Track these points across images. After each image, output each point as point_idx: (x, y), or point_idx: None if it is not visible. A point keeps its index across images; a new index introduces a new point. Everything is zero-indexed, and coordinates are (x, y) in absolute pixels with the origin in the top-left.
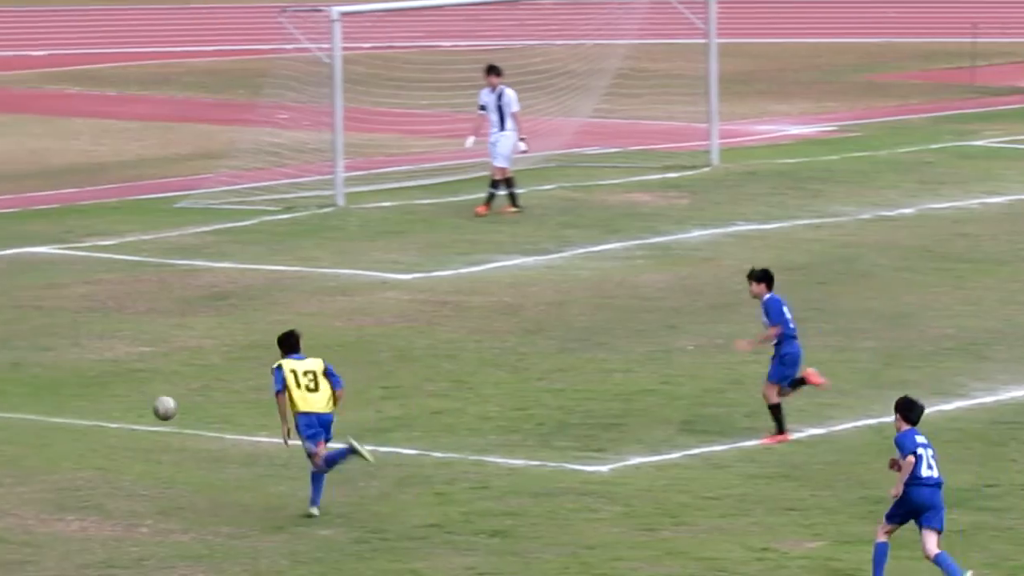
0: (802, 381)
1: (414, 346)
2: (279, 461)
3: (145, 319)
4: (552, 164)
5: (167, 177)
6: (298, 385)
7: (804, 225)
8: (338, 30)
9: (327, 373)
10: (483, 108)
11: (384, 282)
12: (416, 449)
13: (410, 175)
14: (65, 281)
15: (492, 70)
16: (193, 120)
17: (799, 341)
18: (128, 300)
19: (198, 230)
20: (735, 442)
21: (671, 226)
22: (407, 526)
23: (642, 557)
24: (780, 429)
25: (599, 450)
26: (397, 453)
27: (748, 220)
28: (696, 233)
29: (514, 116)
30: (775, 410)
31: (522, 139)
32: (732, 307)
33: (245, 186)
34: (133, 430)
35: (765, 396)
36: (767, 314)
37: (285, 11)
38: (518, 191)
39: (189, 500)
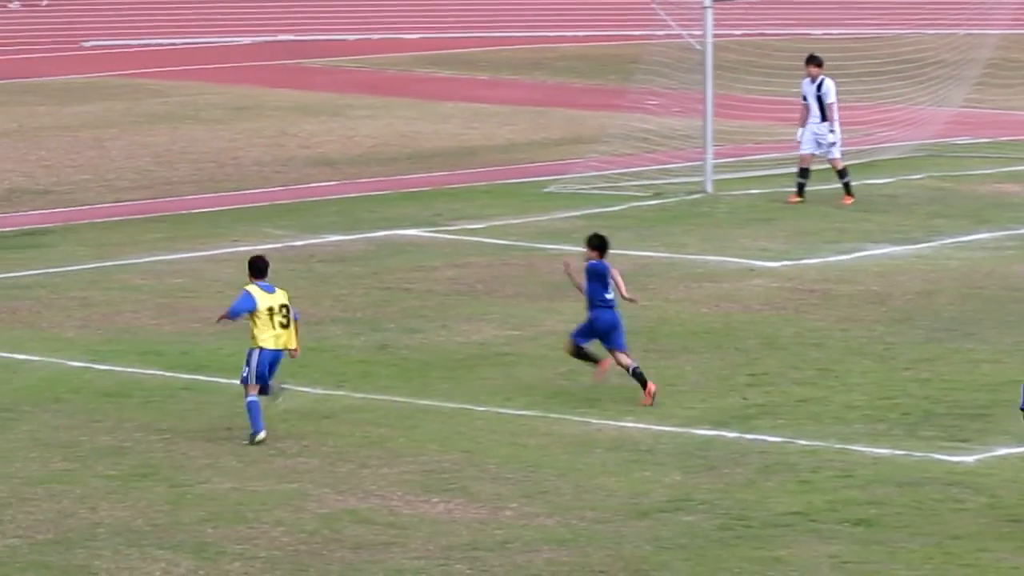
0: (594, 360)
1: (780, 334)
2: (644, 447)
3: (513, 303)
4: (922, 153)
5: (537, 162)
6: (272, 323)
7: None
8: (710, 17)
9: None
10: (805, 98)
11: (751, 269)
12: (781, 437)
13: (779, 163)
14: (434, 264)
15: (812, 60)
16: (564, 105)
17: (618, 312)
18: (496, 284)
19: (567, 215)
20: None
21: None
22: (771, 513)
23: (1008, 548)
24: (596, 360)
25: (965, 440)
26: (762, 440)
27: None
28: None
29: (831, 107)
30: (581, 356)
31: (831, 131)
32: None
33: (614, 171)
34: (499, 413)
35: (565, 349)
36: (588, 278)
37: None
38: (802, 182)
39: (554, 484)
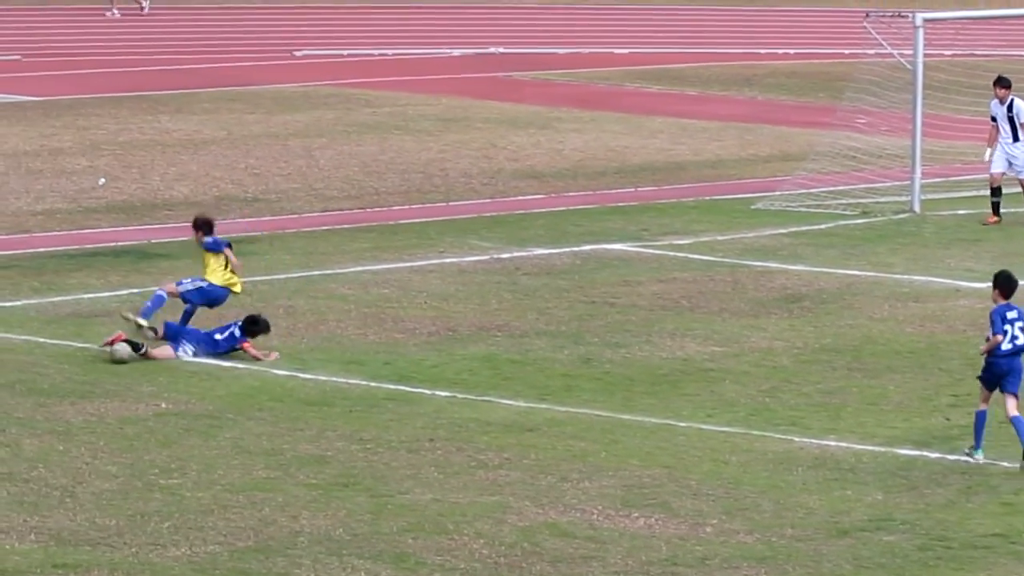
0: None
1: None
2: (845, 465)
3: (717, 319)
4: None
5: (744, 178)
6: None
7: None
8: (920, 36)
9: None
10: (994, 119)
11: (957, 290)
12: (983, 458)
13: (986, 184)
14: (639, 278)
15: (1000, 82)
16: (773, 122)
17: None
18: (701, 299)
19: (774, 232)
20: None
21: None
22: (972, 535)
23: None
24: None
25: None
26: (964, 462)
27: None
28: None
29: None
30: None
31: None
32: None
33: (822, 189)
34: (702, 429)
35: None
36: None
37: (869, 16)
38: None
39: (754, 501)
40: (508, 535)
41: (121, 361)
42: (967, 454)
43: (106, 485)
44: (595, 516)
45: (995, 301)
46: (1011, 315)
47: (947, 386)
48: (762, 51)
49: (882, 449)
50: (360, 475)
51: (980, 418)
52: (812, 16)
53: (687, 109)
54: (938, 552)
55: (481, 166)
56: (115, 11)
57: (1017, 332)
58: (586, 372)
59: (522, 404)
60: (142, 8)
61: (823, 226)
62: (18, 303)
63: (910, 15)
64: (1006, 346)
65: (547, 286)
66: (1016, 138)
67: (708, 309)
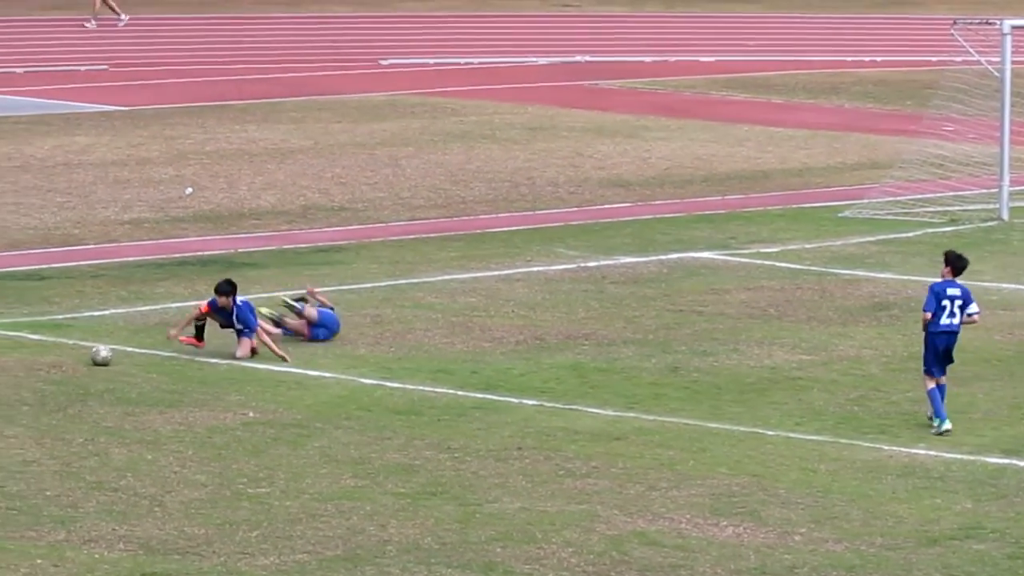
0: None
1: None
2: (935, 474)
3: (805, 327)
4: None
5: (832, 186)
6: None
7: None
8: (1008, 43)
9: None
10: None
11: None
12: None
13: None
14: (727, 287)
15: None
16: (860, 130)
17: None
18: (789, 308)
19: (861, 240)
20: None
21: None
22: None
23: None
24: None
25: None
26: None
27: None
28: None
29: None
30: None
31: None
32: None
33: (909, 197)
34: (790, 438)
35: None
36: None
37: (956, 23)
38: None
39: (843, 510)
40: (596, 544)
41: (104, 363)
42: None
43: (195, 494)
44: (683, 525)
45: (942, 276)
46: (952, 291)
47: None
48: (849, 59)
49: (971, 457)
50: (448, 484)
51: (932, 394)
52: (899, 24)
53: (774, 117)
54: None
55: (568, 174)
56: (93, 22)
57: (955, 311)
58: (674, 380)
59: (610, 413)
60: (119, 17)
61: (911, 234)
62: (106, 312)
63: (998, 22)
64: (945, 320)
65: (634, 294)
66: None
67: (796, 317)
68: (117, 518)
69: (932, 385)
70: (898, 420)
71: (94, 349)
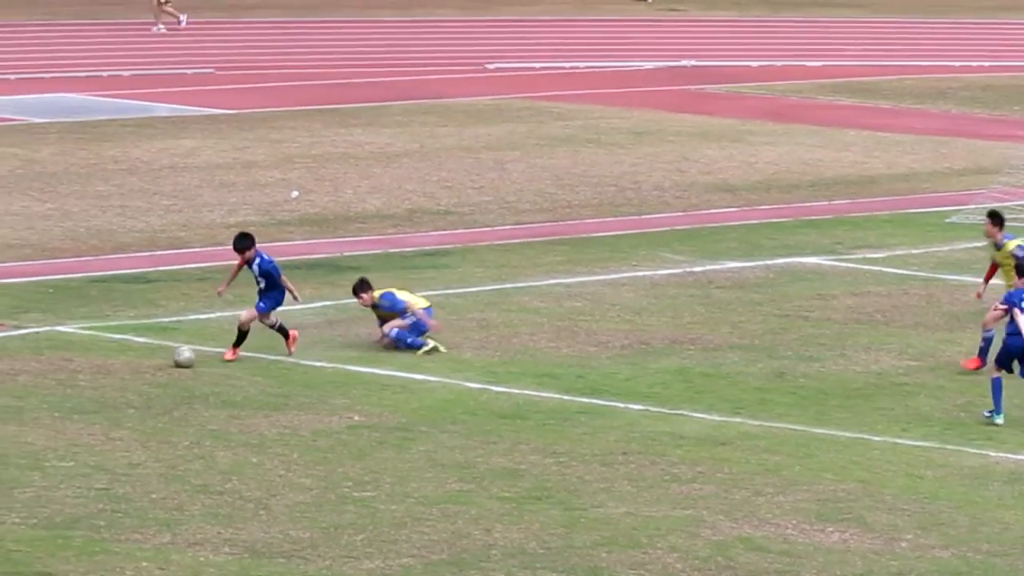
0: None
1: None
2: None
3: (912, 333)
4: None
5: (939, 191)
6: None
7: None
8: None
9: None
10: None
11: None
12: None
13: None
14: (833, 292)
15: None
16: (967, 135)
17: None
18: (895, 313)
19: (968, 246)
20: None
21: None
22: None
23: None
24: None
25: None
26: None
27: None
28: None
29: None
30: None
31: None
32: None
33: (1017, 203)
34: (896, 443)
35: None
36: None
37: None
38: None
39: (950, 516)
40: (702, 549)
41: (188, 364)
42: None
43: (300, 497)
44: (789, 530)
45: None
46: None
47: None
48: (956, 64)
49: None
50: (553, 488)
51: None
52: (1007, 29)
53: (881, 122)
54: None
55: (674, 179)
56: (161, 26)
57: None
58: (780, 386)
59: (715, 418)
60: (179, 22)
61: (1019, 241)
62: (212, 315)
63: None
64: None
65: (740, 299)
66: None
67: (902, 323)
68: (222, 521)
69: (997, 375)
70: (1005, 426)
71: (177, 350)
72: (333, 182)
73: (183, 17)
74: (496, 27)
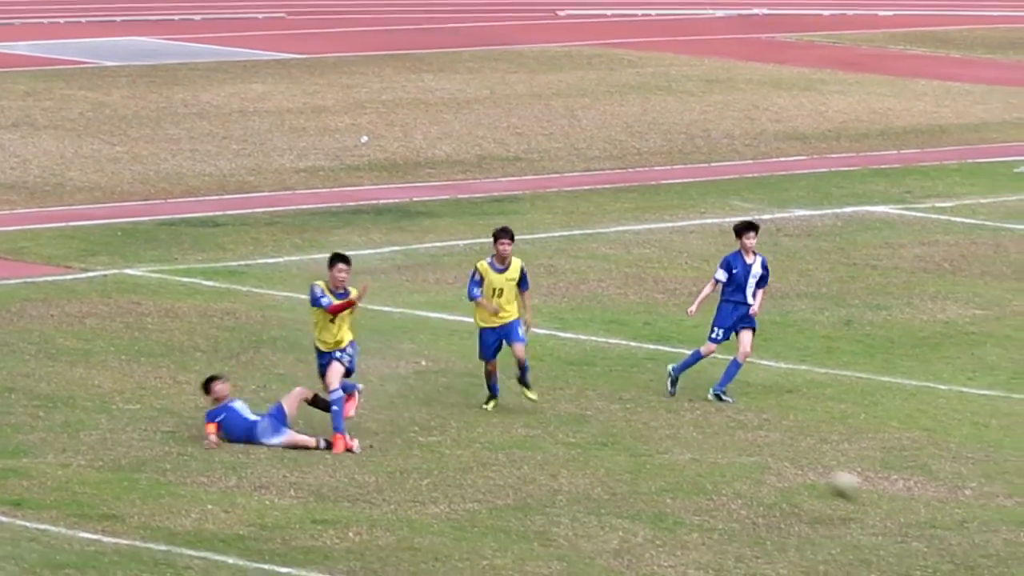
0: None
1: None
2: None
3: (979, 282)
4: None
5: (1008, 141)
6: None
7: None
8: None
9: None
10: None
11: None
12: None
13: None
14: (902, 241)
15: None
16: None
17: None
18: (963, 263)
19: None
20: None
21: None
22: None
23: None
24: None
25: None
26: None
27: None
28: None
29: None
30: None
31: None
32: None
33: None
34: (962, 392)
35: None
36: None
37: None
38: None
39: (1015, 464)
40: (767, 496)
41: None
42: None
43: (366, 442)
44: (855, 478)
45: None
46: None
47: None
48: None
49: None
50: (620, 434)
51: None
52: None
53: (951, 72)
54: None
55: (744, 127)
56: None
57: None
58: (847, 334)
59: (783, 365)
60: None
61: None
62: (280, 260)
63: None
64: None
65: (808, 248)
66: None
67: (970, 272)
68: (288, 465)
69: None
70: None
71: (834, 478)
72: (403, 128)
73: None
74: None
